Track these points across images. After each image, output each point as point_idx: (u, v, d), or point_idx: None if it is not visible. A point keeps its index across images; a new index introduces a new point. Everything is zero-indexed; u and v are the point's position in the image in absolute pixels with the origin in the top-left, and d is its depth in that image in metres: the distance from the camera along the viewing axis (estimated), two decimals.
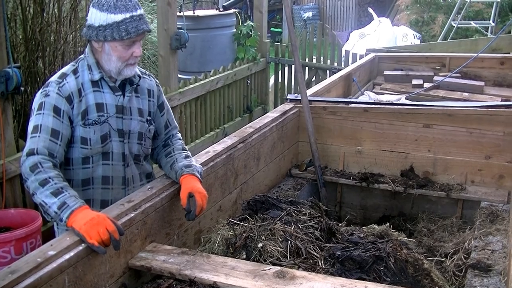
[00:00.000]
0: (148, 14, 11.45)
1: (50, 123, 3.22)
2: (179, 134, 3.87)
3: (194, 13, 10.34)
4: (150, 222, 3.35)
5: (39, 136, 3.18)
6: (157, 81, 3.76)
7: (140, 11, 3.31)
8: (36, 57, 6.57)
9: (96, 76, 3.37)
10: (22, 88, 5.38)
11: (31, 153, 3.13)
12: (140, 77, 3.56)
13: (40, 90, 3.34)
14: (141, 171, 3.68)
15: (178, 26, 8.13)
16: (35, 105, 3.31)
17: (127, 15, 3.25)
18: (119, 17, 3.24)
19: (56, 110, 3.25)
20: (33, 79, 6.49)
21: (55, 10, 6.81)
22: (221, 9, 10.86)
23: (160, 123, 3.73)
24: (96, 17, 3.29)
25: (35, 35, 6.52)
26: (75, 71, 3.39)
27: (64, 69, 3.42)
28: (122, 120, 3.45)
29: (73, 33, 6.99)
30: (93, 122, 3.35)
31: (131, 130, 3.50)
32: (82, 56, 3.46)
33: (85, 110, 3.33)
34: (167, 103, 3.82)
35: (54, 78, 3.36)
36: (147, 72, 3.72)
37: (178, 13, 8.37)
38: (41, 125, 3.21)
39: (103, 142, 3.39)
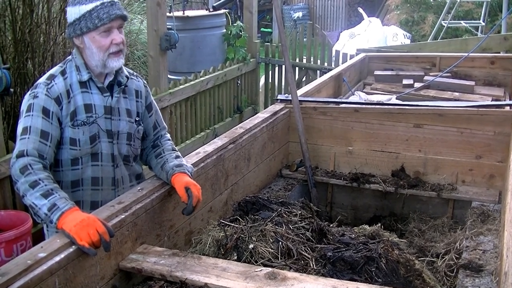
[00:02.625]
0: (138, 15, 11.46)
1: (40, 125, 3.20)
2: (168, 135, 3.86)
3: (184, 13, 10.31)
4: (140, 223, 3.34)
5: (28, 138, 3.16)
6: (144, 82, 3.74)
7: None
8: (26, 58, 6.55)
9: (85, 77, 3.36)
10: (12, 90, 5.38)
11: (21, 155, 3.11)
12: (128, 78, 3.55)
13: (29, 92, 3.32)
14: (131, 172, 3.66)
15: (168, 26, 8.12)
16: (23, 107, 3.29)
17: (97, 3, 3.25)
18: (89, 6, 3.25)
19: (45, 112, 3.23)
20: (23, 80, 6.48)
21: (45, 11, 6.79)
22: (211, 10, 10.84)
23: (148, 123, 3.72)
24: (70, 13, 3.31)
25: (25, 36, 6.51)
26: (63, 72, 3.37)
27: (52, 71, 3.41)
28: (110, 121, 3.44)
29: (63, 34, 6.97)
30: (82, 123, 3.33)
31: (119, 130, 3.49)
32: (69, 57, 3.45)
33: (73, 111, 3.31)
34: (155, 104, 3.81)
35: (42, 79, 3.34)
36: (135, 73, 3.72)
37: (168, 14, 8.36)
38: (30, 126, 3.19)
39: (92, 143, 3.37)
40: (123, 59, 3.42)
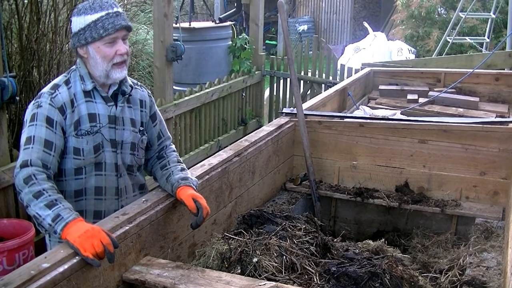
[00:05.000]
0: (144, 25, 11.48)
1: (43, 134, 3.20)
2: (173, 146, 3.86)
3: (190, 25, 10.34)
4: (144, 235, 3.34)
5: (32, 148, 3.17)
6: (149, 91, 3.75)
7: (116, 9, 3.32)
8: (32, 67, 6.56)
9: (89, 86, 3.36)
10: (17, 98, 5.37)
11: (24, 165, 3.11)
12: (132, 87, 3.55)
13: (33, 102, 3.32)
14: (134, 182, 3.66)
15: (174, 37, 8.14)
16: (27, 116, 3.29)
17: (103, 13, 3.27)
18: (95, 16, 3.26)
19: (49, 121, 3.23)
20: (28, 88, 6.49)
21: (52, 19, 6.81)
22: (217, 22, 10.87)
23: (152, 133, 3.72)
24: (75, 23, 3.34)
25: (31, 45, 6.52)
26: (67, 82, 3.38)
27: (56, 80, 3.42)
28: (114, 130, 3.44)
29: (69, 42, 6.98)
30: (86, 132, 3.33)
31: (123, 140, 3.49)
32: (74, 67, 3.45)
33: (77, 121, 3.32)
34: (160, 114, 3.81)
35: (46, 89, 3.35)
36: (139, 83, 3.72)
37: (174, 25, 8.37)
38: (34, 136, 3.20)
39: (96, 153, 3.37)
40: (126, 70, 3.42)
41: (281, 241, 3.49)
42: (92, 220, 3.30)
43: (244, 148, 4.67)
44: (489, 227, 4.49)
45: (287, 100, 10.99)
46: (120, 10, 3.34)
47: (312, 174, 5.23)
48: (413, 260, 4.47)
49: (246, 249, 3.43)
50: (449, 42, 12.77)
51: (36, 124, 3.22)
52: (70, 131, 3.30)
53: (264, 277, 3.25)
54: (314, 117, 5.59)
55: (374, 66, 8.95)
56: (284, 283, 3.10)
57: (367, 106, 7.45)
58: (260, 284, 3.04)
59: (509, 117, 6.89)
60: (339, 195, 5.29)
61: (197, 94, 8.73)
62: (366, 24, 16.86)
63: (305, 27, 20.69)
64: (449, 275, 3.94)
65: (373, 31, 15.87)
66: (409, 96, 7.65)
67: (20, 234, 4.96)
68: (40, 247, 4.66)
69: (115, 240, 2.94)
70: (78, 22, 3.31)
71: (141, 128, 3.61)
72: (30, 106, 3.32)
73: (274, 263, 3.33)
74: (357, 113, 6.84)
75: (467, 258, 4.03)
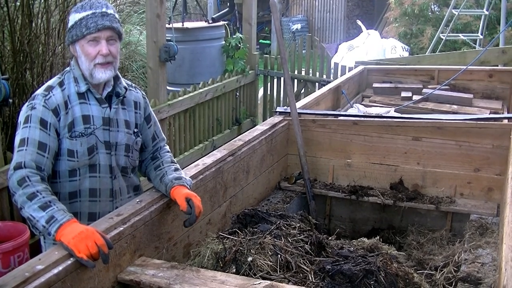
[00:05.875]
0: (137, 26, 11.46)
1: (37, 136, 3.20)
2: (167, 147, 3.86)
3: (183, 25, 10.33)
4: (139, 235, 3.33)
5: (26, 150, 3.16)
6: (143, 93, 3.74)
7: (105, 9, 3.32)
8: (24, 69, 6.55)
9: (83, 88, 3.36)
10: (10, 100, 5.36)
11: (18, 167, 3.10)
12: (126, 89, 3.55)
13: (26, 103, 3.32)
14: (129, 184, 3.65)
15: (167, 38, 8.13)
16: (21, 118, 3.28)
17: (89, 12, 3.29)
18: (82, 15, 3.29)
19: (43, 123, 3.23)
20: (21, 91, 6.48)
21: (44, 21, 6.79)
22: (210, 21, 10.85)
23: (147, 135, 3.71)
24: (69, 21, 3.36)
25: (23, 47, 6.51)
26: (61, 84, 3.37)
27: (50, 82, 3.41)
28: (109, 132, 3.43)
29: (62, 44, 6.98)
30: (80, 134, 3.32)
31: (118, 142, 3.48)
32: (68, 68, 3.45)
33: (71, 123, 3.31)
34: (154, 115, 3.81)
35: (40, 91, 3.34)
36: (133, 85, 3.72)
37: (167, 25, 8.36)
38: (28, 138, 3.19)
39: (90, 154, 3.37)
40: (113, 71, 3.39)
41: (275, 240, 3.49)
42: (87, 222, 3.29)
43: (238, 147, 4.67)
44: (484, 223, 4.50)
45: (281, 99, 10.99)
46: (110, 11, 3.33)
47: (307, 172, 5.23)
48: (408, 257, 4.48)
49: (241, 248, 3.42)
50: (442, 39, 12.77)
51: (30, 126, 3.22)
52: (64, 133, 3.29)
53: (259, 276, 3.25)
54: (308, 115, 5.59)
55: (368, 64, 8.97)
56: (279, 282, 3.10)
57: (361, 104, 7.46)
58: (255, 283, 3.04)
59: (503, 113, 6.91)
60: (334, 194, 5.30)
61: (191, 94, 8.71)
62: (359, 22, 16.86)
63: (298, 26, 20.67)
64: (444, 272, 3.95)
65: (367, 29, 15.85)
66: (403, 94, 7.67)
67: (15, 237, 4.94)
68: (35, 249, 4.65)
69: (109, 241, 2.94)
70: (70, 20, 3.34)
71: (136, 130, 3.60)
72: (24, 108, 3.31)
73: (269, 262, 3.33)
74: (351, 111, 6.84)
75: (462, 255, 4.03)
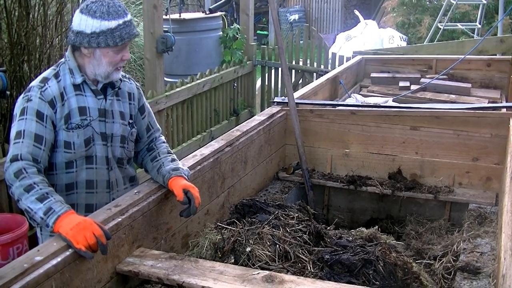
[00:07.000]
0: (134, 17, 11.43)
1: (33, 128, 3.19)
2: (163, 137, 3.86)
3: (180, 16, 10.31)
4: (137, 226, 3.33)
5: (22, 142, 3.15)
6: (137, 84, 3.75)
7: (129, 16, 3.34)
8: (22, 61, 6.53)
9: (78, 80, 3.35)
10: (8, 92, 5.35)
11: (15, 159, 3.10)
12: (121, 80, 3.55)
13: (22, 95, 3.30)
14: (125, 175, 3.66)
15: (164, 29, 8.11)
16: (17, 110, 3.27)
17: (120, 21, 3.26)
18: (113, 23, 3.24)
19: (39, 115, 3.22)
20: (19, 83, 6.46)
21: (41, 13, 6.77)
22: (207, 12, 10.83)
23: (141, 126, 3.71)
24: (87, 24, 3.25)
25: (21, 39, 6.49)
26: (56, 75, 3.36)
27: (45, 73, 3.39)
28: (104, 124, 3.44)
29: (59, 36, 6.96)
30: (76, 126, 3.32)
31: (113, 133, 3.49)
32: (62, 59, 3.44)
33: (68, 114, 3.31)
34: (148, 106, 3.80)
35: (36, 82, 3.33)
36: (127, 76, 3.72)
37: (164, 16, 8.35)
38: (24, 130, 3.18)
39: (87, 146, 3.37)
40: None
41: (274, 230, 3.49)
42: (84, 213, 3.29)
43: (235, 138, 4.66)
44: (483, 212, 4.49)
45: (279, 89, 10.96)
46: (130, 16, 3.36)
47: (305, 163, 5.23)
48: (407, 247, 4.48)
49: (239, 238, 3.42)
50: (440, 28, 12.77)
51: (26, 118, 3.21)
52: (61, 124, 3.29)
53: (258, 266, 3.25)
54: (305, 105, 5.59)
55: (366, 54, 8.95)
56: (277, 272, 3.10)
57: (359, 94, 7.45)
58: (253, 273, 3.04)
59: (501, 102, 6.90)
60: (332, 184, 5.29)
61: (189, 85, 8.71)
62: (357, 12, 16.83)
63: (296, 16, 20.65)
64: (443, 261, 3.95)
65: (364, 19, 15.83)
66: (401, 84, 7.66)
67: (14, 229, 4.94)
68: (34, 241, 4.64)
69: (107, 231, 2.94)
70: (92, 25, 3.24)
71: (130, 121, 3.61)
72: (20, 99, 3.30)
73: (267, 252, 3.33)
74: (349, 101, 6.84)
75: (461, 244, 4.03)
